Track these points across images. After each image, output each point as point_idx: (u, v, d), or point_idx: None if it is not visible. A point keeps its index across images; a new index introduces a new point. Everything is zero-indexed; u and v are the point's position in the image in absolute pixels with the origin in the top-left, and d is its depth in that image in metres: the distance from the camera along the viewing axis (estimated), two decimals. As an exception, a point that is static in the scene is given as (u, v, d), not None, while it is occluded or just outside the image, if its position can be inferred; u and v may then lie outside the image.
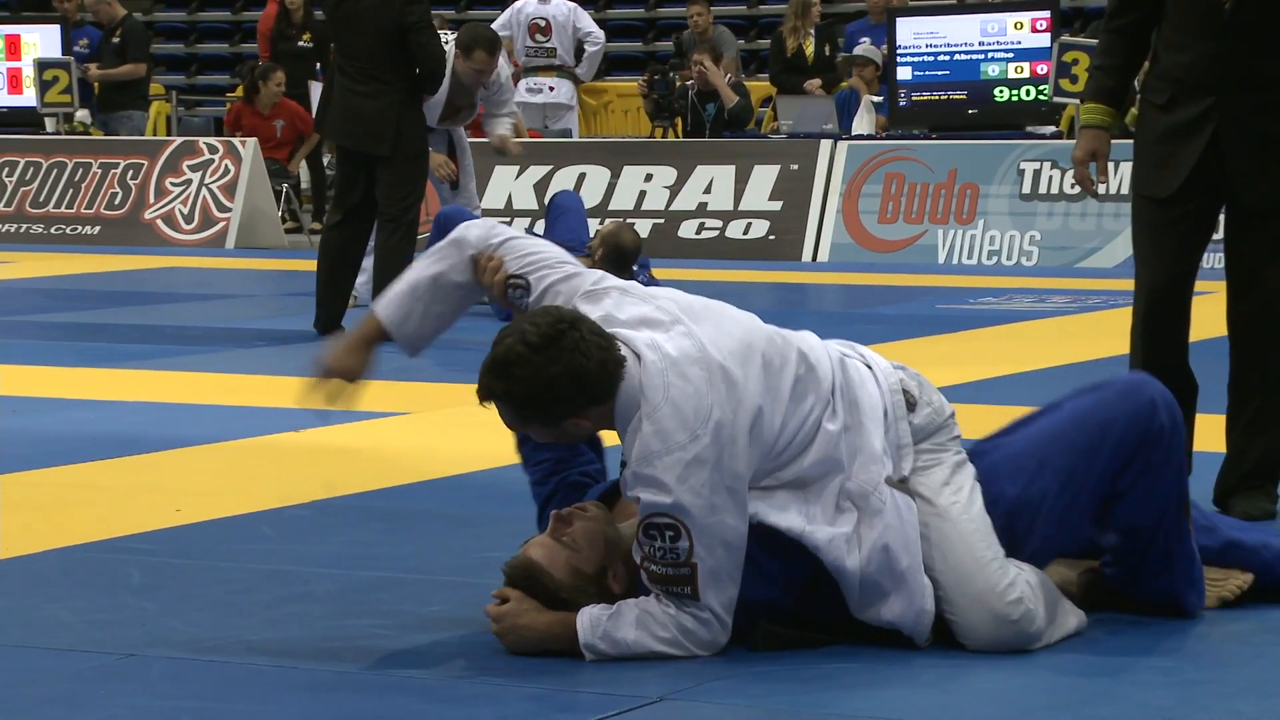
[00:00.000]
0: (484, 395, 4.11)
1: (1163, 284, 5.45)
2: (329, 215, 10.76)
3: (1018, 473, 4.31)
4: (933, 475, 4.27)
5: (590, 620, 4.14)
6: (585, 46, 16.90)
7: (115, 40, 18.04)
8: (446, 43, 11.38)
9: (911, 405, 4.30)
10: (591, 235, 11.03)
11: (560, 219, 11.29)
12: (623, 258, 10.35)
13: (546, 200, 12.89)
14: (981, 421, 5.06)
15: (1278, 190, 5.36)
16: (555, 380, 4.02)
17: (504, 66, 11.85)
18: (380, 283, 10.15)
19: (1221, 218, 5.51)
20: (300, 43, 18.24)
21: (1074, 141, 5.78)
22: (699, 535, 4.04)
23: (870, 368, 4.32)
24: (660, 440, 4.02)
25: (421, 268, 4.43)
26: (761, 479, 4.16)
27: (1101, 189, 5.77)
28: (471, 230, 4.41)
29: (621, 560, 4.22)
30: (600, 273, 4.34)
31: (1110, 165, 5.63)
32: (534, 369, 4.02)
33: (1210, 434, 5.67)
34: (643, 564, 4.14)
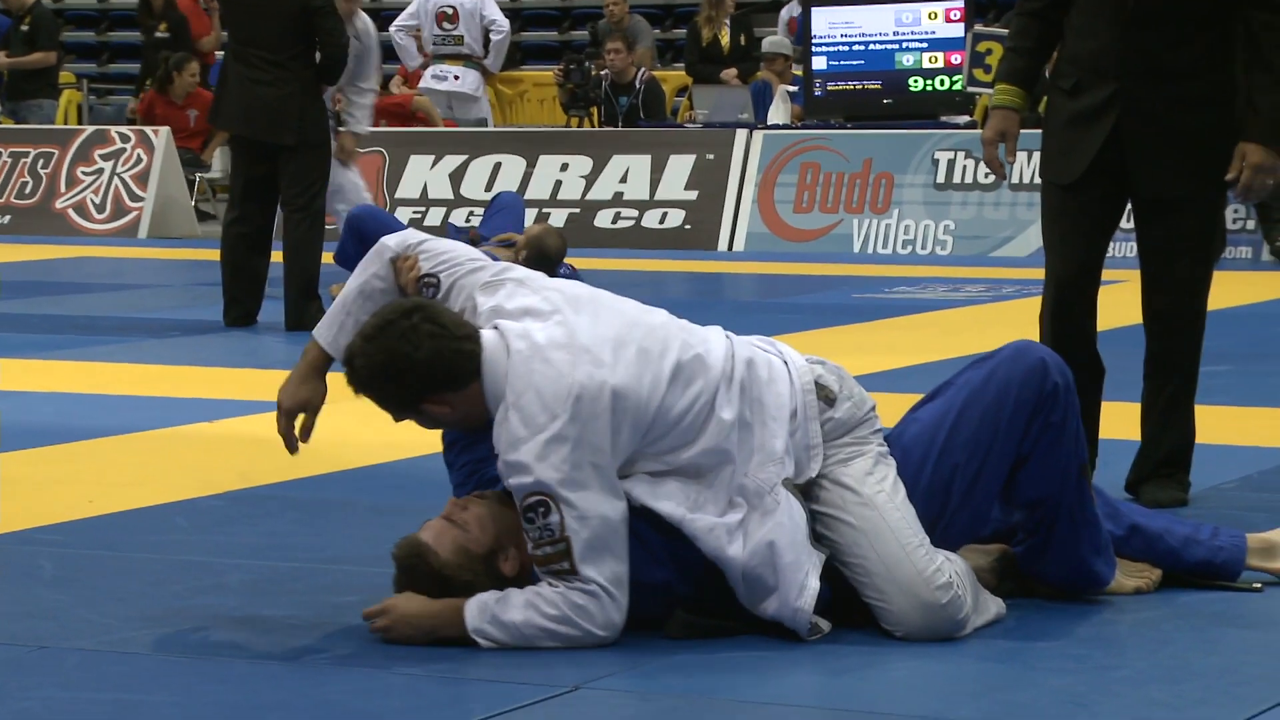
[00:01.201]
0: (351, 387, 4.30)
1: (1071, 269, 5.49)
2: (227, 212, 10.52)
3: (924, 456, 4.35)
4: (856, 465, 4.29)
5: (478, 605, 4.15)
6: (490, 35, 16.85)
7: (24, 28, 17.89)
8: None
9: (830, 400, 4.33)
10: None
11: (495, 215, 11.21)
12: (546, 261, 10.37)
13: (489, 196, 12.86)
14: (897, 410, 5.07)
15: (1174, 183, 5.39)
16: (384, 367, 4.19)
17: (369, 22, 11.52)
18: (294, 274, 10.07)
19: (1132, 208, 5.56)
20: (158, 33, 18.11)
21: (989, 129, 5.80)
22: (567, 508, 4.09)
23: (786, 364, 4.34)
24: (524, 426, 4.11)
25: (349, 282, 4.54)
26: (647, 462, 4.20)
27: (1016, 178, 5.82)
28: (391, 238, 4.52)
29: (515, 546, 4.23)
30: (504, 264, 4.42)
31: (1024, 154, 5.68)
32: (366, 358, 4.22)
33: (1122, 422, 5.72)
34: (531, 554, 4.16)
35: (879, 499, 4.26)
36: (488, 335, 4.22)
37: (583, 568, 4.11)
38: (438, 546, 4.21)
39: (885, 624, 4.22)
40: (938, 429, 4.38)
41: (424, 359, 4.17)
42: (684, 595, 4.23)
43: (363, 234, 9.85)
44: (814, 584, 4.18)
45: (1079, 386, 4.48)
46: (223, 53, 11.58)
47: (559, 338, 4.17)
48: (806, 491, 4.27)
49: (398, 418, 4.33)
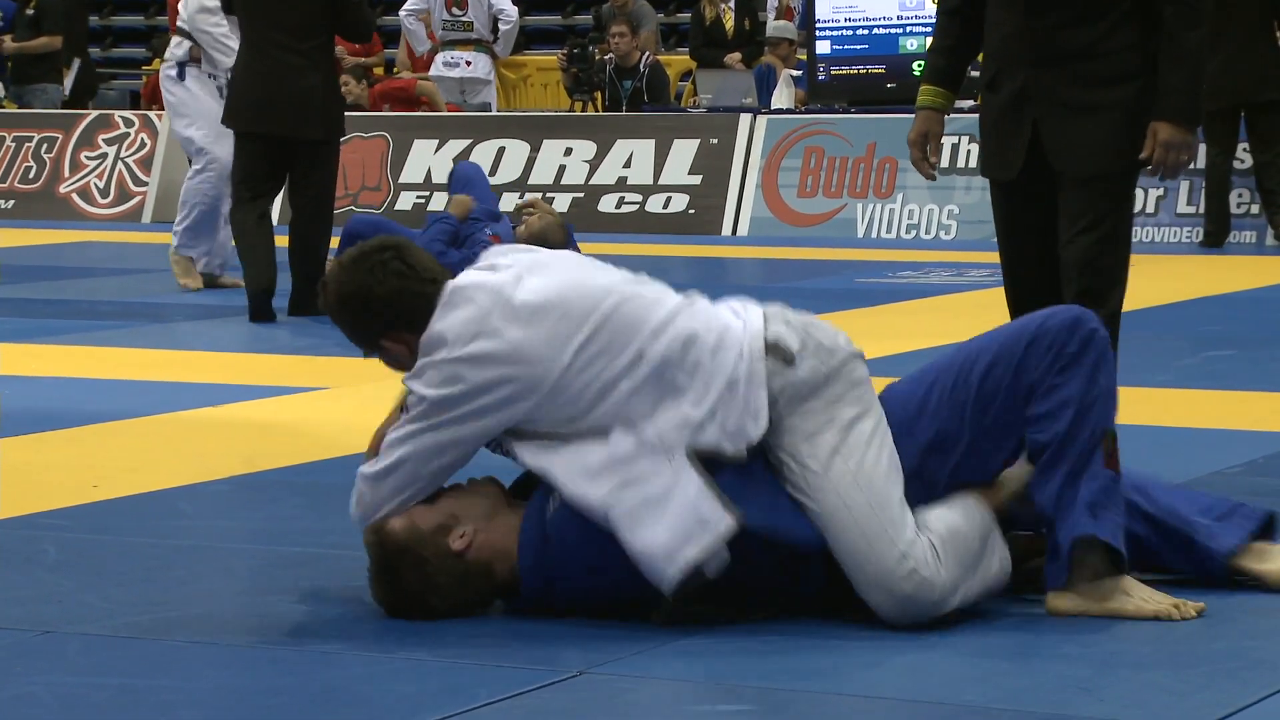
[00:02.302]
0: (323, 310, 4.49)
1: (1025, 265, 5.46)
2: (239, 191, 9.86)
3: (936, 379, 4.34)
4: (820, 443, 4.21)
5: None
6: (499, 24, 16.84)
7: (30, 12, 17.88)
8: None
9: (789, 361, 4.25)
10: (513, 213, 10.98)
11: (467, 189, 11.12)
12: None
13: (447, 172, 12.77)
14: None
15: (1084, 162, 5.32)
16: (350, 296, 4.35)
17: None
18: (304, 259, 9.75)
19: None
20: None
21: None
22: (412, 422, 4.24)
23: (745, 328, 4.30)
24: (427, 349, 4.26)
25: None
26: (544, 427, 4.24)
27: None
28: None
29: (471, 522, 4.26)
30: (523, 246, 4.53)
31: None
32: (337, 284, 4.38)
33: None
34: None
35: (844, 482, 4.18)
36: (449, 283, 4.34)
37: (376, 463, 4.28)
38: (392, 526, 4.28)
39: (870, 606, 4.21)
40: (960, 351, 4.38)
41: (383, 295, 4.33)
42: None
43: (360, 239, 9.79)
44: (689, 556, 4.10)
45: None
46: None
47: (489, 282, 4.28)
48: (778, 472, 4.25)
49: (364, 352, 4.46)
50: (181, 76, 11.02)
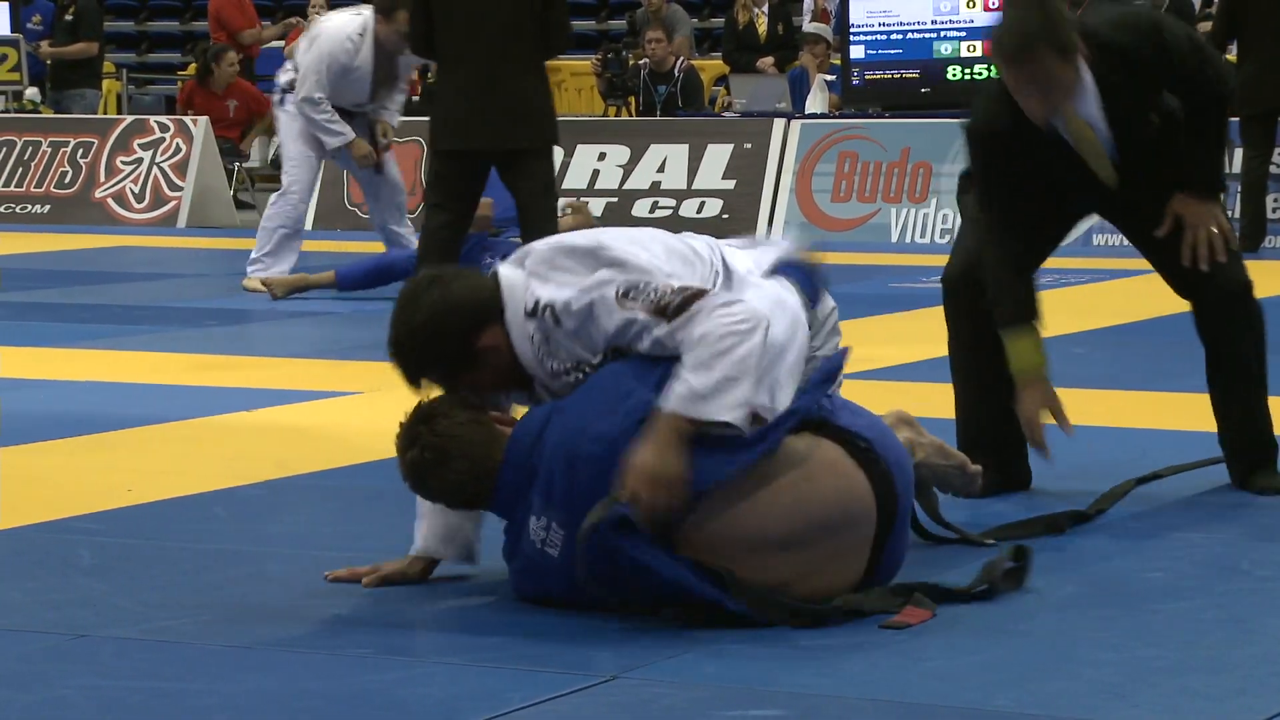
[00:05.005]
0: (407, 376, 4.46)
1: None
2: (434, 214, 9.15)
3: None
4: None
5: (677, 400, 4.16)
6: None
7: (69, 18, 17.96)
8: (359, 13, 11.01)
9: None
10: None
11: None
12: None
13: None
14: (932, 398, 5.07)
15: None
16: (424, 325, 4.34)
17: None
18: None
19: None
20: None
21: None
22: (629, 276, 4.28)
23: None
24: (563, 289, 4.31)
25: None
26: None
27: None
28: None
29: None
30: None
31: None
32: (405, 325, 4.38)
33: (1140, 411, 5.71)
34: (653, 315, 4.25)
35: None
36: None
37: (675, 288, 4.25)
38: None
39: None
40: None
41: (457, 296, 4.35)
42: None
43: (392, 277, 9.83)
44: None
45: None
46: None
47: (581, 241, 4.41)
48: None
49: (451, 380, 4.39)
50: (282, 102, 11.26)
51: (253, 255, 11.24)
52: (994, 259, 5.29)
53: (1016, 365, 5.28)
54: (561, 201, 10.80)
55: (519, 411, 4.51)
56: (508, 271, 4.43)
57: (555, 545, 4.26)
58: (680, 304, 4.23)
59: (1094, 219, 5.47)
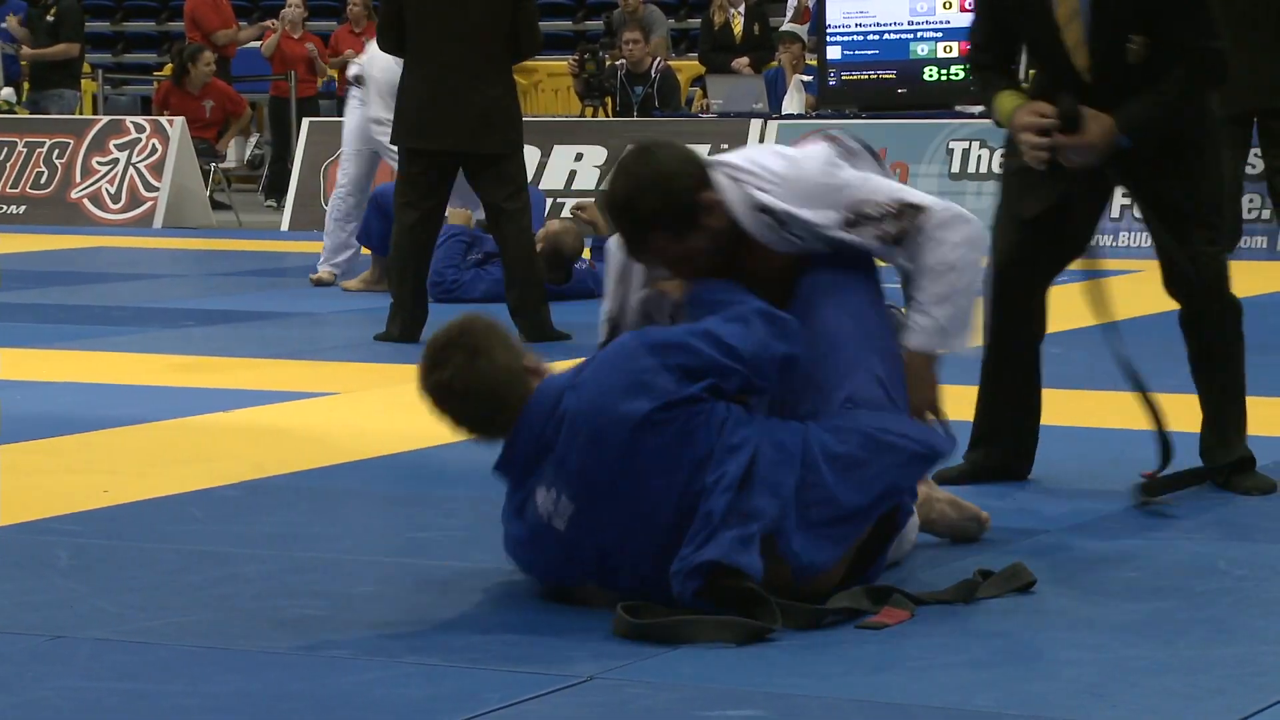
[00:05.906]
0: (630, 241, 4.58)
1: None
2: (403, 214, 9.04)
3: None
4: None
5: (923, 335, 4.58)
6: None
7: (49, 19, 17.92)
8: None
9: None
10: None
11: (467, 199, 11.13)
12: (559, 259, 10.38)
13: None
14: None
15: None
16: (658, 173, 4.52)
17: None
18: (534, 280, 9.03)
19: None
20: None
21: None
22: (863, 195, 4.62)
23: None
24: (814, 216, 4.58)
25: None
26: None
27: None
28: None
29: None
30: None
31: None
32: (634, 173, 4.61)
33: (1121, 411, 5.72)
34: (889, 234, 4.62)
35: None
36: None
37: (915, 203, 4.59)
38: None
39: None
40: None
41: (678, 152, 4.65)
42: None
43: (389, 211, 9.78)
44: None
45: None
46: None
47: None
48: None
49: (677, 242, 4.50)
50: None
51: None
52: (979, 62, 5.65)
53: (1004, 114, 5.57)
54: (570, 203, 10.82)
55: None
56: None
57: (563, 518, 4.27)
58: (901, 230, 4.56)
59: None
